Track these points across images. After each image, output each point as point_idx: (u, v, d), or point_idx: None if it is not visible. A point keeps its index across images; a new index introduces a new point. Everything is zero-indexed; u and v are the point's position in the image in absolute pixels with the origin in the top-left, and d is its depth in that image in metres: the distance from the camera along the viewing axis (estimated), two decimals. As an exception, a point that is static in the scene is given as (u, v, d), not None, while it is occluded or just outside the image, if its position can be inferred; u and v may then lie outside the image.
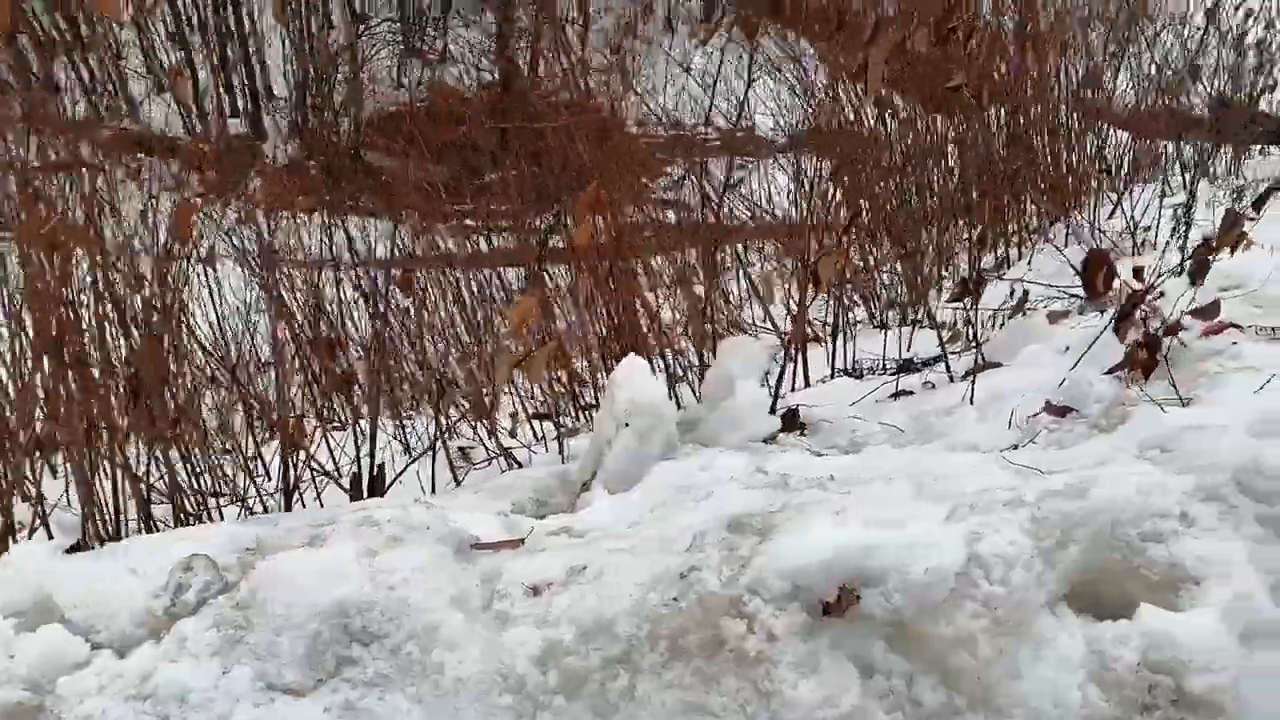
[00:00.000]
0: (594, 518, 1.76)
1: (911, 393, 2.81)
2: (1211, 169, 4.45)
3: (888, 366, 3.26)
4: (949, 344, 3.06)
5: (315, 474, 2.43)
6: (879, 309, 3.97)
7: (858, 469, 1.75)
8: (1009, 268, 4.03)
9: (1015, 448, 1.87)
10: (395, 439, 2.80)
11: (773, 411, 2.55)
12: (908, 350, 3.37)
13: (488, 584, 1.25)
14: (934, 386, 2.85)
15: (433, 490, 2.52)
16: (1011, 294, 3.11)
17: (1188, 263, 3.00)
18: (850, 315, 3.77)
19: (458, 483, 2.64)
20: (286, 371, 2.58)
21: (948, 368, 2.90)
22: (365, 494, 2.47)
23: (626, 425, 1.94)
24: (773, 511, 1.31)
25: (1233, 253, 2.23)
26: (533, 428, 3.10)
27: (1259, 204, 2.13)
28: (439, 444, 2.56)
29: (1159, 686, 1.12)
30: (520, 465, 2.78)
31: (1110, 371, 2.25)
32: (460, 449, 3.18)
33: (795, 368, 3.17)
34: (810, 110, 4.34)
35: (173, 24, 11.59)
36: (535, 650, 1.14)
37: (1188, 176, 4.30)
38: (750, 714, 1.09)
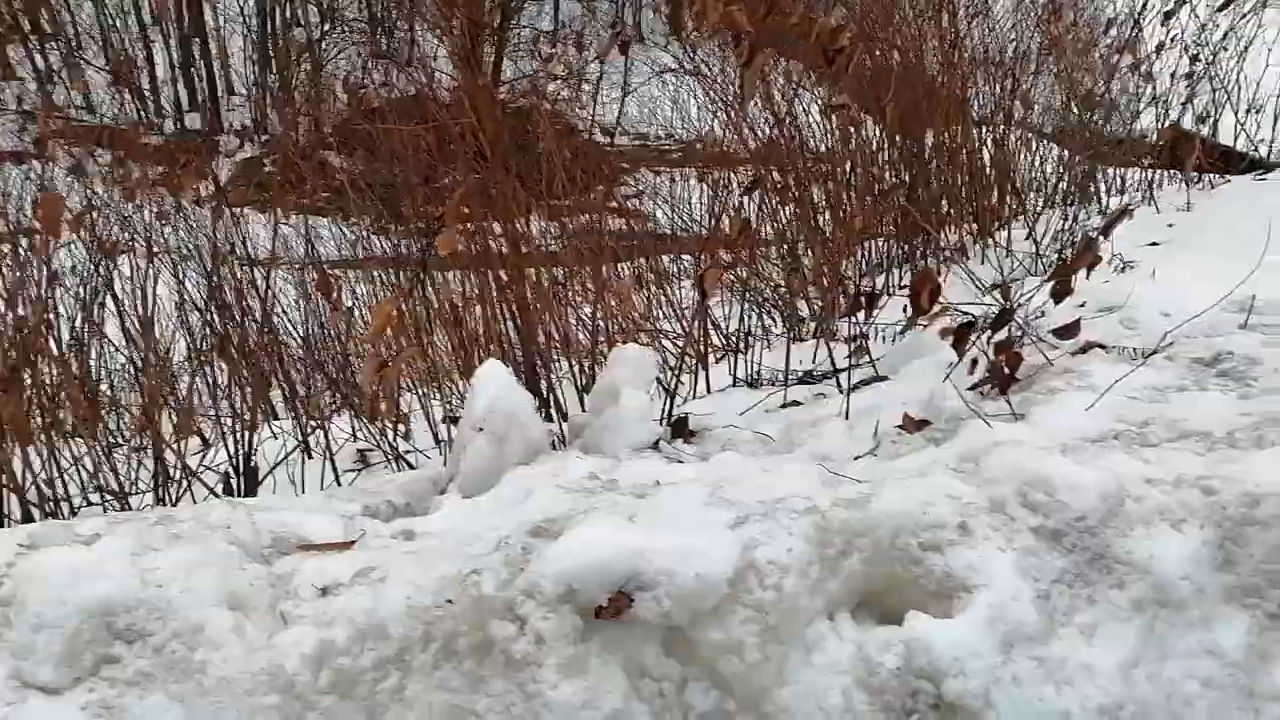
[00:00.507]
0: (437, 521, 1.77)
1: (800, 403, 2.85)
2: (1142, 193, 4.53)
3: (789, 378, 3.30)
4: (853, 357, 3.10)
5: (187, 473, 2.43)
6: (793, 321, 4.01)
7: (690, 476, 1.78)
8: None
9: (856, 459, 1.91)
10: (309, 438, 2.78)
11: (668, 419, 2.58)
12: (813, 362, 3.41)
13: (279, 585, 1.26)
14: (826, 397, 2.89)
15: (310, 488, 2.52)
16: (905, 310, 3.16)
17: (1073, 283, 3.10)
18: (765, 326, 3.81)
19: (339, 483, 2.64)
20: (158, 372, 2.57)
21: (838, 381, 2.94)
22: (239, 494, 2.47)
23: (481, 430, 1.95)
24: (572, 515, 1.33)
25: (1088, 274, 2.29)
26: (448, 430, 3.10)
27: (1107, 229, 2.18)
28: (316, 444, 2.56)
29: (920, 692, 1.15)
30: (412, 467, 2.79)
31: (972, 388, 2.30)
32: (360, 451, 3.18)
33: (696, 376, 3.21)
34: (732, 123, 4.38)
35: (133, 17, 11.46)
36: (309, 650, 1.15)
37: (1110, 200, 4.39)
38: (515, 715, 1.11)
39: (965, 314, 3.15)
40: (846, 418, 2.46)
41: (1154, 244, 3.75)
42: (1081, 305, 2.92)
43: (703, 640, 1.17)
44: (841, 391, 2.93)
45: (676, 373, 2.95)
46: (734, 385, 3.35)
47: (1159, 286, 2.88)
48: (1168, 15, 4.69)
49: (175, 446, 2.33)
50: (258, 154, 10.90)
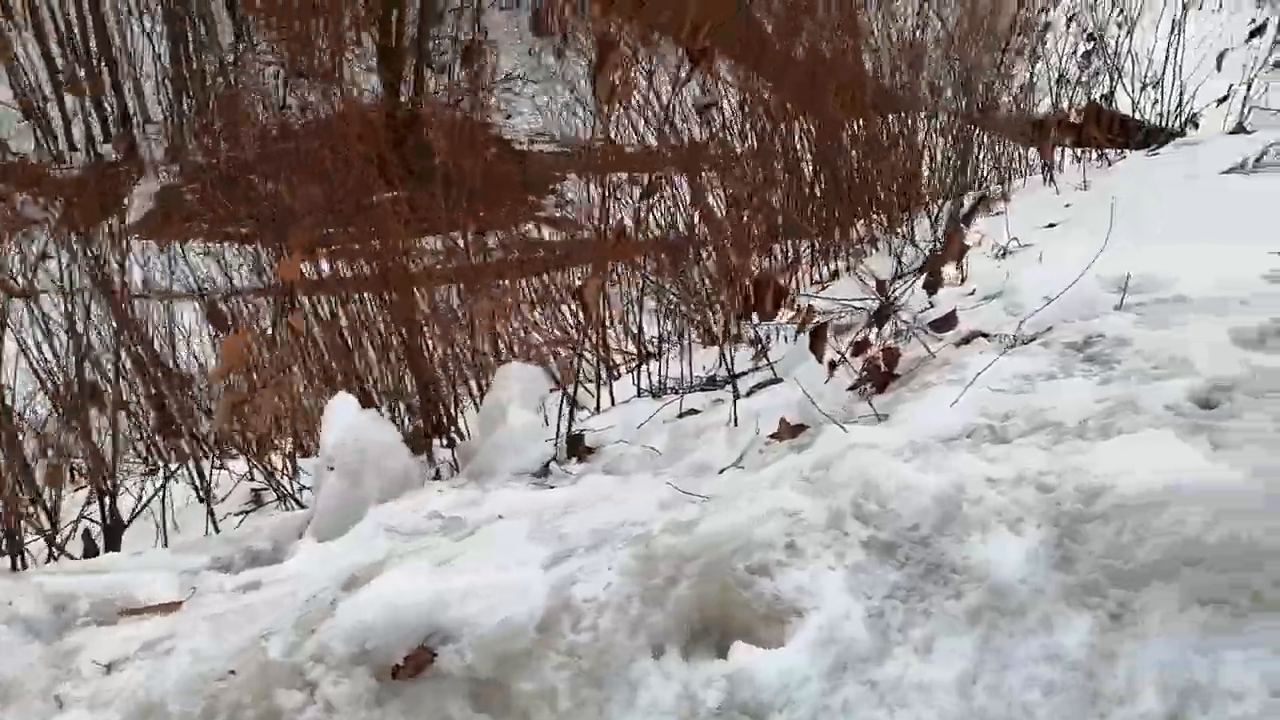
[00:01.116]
0: (283, 571, 1.67)
1: (698, 411, 2.79)
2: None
3: (692, 385, 3.25)
4: (755, 360, 3.05)
5: (46, 532, 2.29)
6: (704, 326, 3.97)
7: (558, 501, 1.70)
8: (835, 281, 4.08)
9: (721, 471, 1.85)
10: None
11: (571, 437, 2.50)
12: (717, 367, 3.36)
13: (61, 664, 1.16)
14: (724, 403, 2.84)
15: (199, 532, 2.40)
16: (798, 309, 3.13)
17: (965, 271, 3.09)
18: (680, 332, 3.75)
19: (216, 529, 2.52)
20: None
21: (734, 387, 2.89)
22: (103, 550, 2.33)
23: (331, 468, 1.85)
24: (388, 561, 1.25)
25: (959, 263, 2.27)
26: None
27: (968, 218, 2.15)
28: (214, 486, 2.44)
29: (745, 728, 1.09)
30: (303, 506, 2.68)
31: (852, 387, 2.26)
32: (253, 490, 3.05)
33: (600, 389, 3.14)
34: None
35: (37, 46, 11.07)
36: (79, 737, 1.05)
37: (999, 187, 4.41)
38: (306, 792, 1.02)
39: (858, 308, 3.13)
40: (736, 424, 2.41)
41: (1051, 225, 3.76)
42: (971, 293, 2.91)
43: (514, 691, 1.09)
44: (738, 398, 2.88)
45: (574, 388, 2.87)
46: (639, 396, 3.29)
47: (1044, 269, 2.87)
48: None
49: (25, 506, 2.19)
50: (175, 182, 10.61)
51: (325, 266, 2.90)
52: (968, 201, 3.51)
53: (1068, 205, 3.99)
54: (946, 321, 2.26)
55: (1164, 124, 5.11)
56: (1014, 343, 2.41)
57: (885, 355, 2.24)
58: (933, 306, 2.86)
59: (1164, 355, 1.90)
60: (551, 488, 2.02)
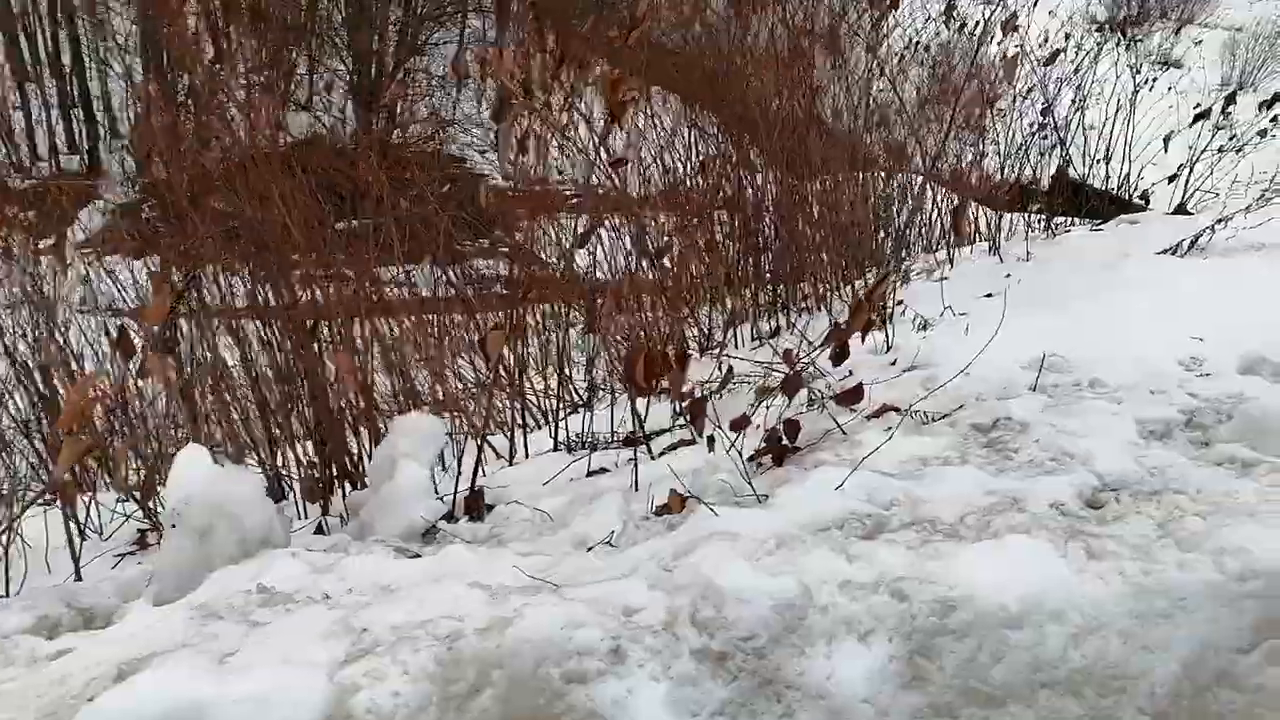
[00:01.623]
0: (100, 639, 1.53)
1: (607, 470, 2.68)
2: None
3: (611, 440, 3.15)
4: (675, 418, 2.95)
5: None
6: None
7: (410, 574, 1.58)
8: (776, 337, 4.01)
9: (589, 549, 1.74)
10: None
11: (471, 494, 2.38)
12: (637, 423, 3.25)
13: None
14: (638, 463, 2.74)
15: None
16: (719, 370, 3.04)
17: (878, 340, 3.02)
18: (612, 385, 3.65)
19: (79, 576, 2.35)
20: None
21: (648, 446, 2.78)
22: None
23: (174, 526, 1.72)
24: (162, 653, 1.12)
25: (863, 337, 2.20)
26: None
27: (870, 294, 2.08)
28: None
29: None
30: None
31: (753, 457, 2.17)
32: (139, 531, 2.89)
33: (513, 441, 3.02)
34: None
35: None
36: None
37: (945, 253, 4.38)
38: None
39: (778, 373, 3.04)
40: (635, 489, 2.30)
41: (988, 295, 3.72)
42: (892, 363, 2.84)
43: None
44: (653, 458, 2.78)
45: (480, 441, 2.75)
46: (555, 449, 3.18)
47: (968, 344, 2.81)
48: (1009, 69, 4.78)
49: None
50: (135, 199, 10.45)
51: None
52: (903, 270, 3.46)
53: (1008, 276, 3.95)
54: (853, 395, 2.18)
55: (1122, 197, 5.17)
56: (926, 420, 2.34)
57: (786, 427, 2.15)
58: (850, 374, 2.79)
59: (1062, 447, 1.82)
60: (417, 555, 1.89)
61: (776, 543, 1.40)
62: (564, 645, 1.11)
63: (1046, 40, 5.53)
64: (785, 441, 2.13)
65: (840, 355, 2.16)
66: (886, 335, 2.97)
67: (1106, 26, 4.86)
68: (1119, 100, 4.49)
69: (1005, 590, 1.23)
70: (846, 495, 1.69)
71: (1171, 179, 5.03)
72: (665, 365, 1.67)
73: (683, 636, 1.15)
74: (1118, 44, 4.77)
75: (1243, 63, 14.15)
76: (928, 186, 4.48)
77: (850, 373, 2.75)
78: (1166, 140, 4.70)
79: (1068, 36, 5.18)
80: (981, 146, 4.85)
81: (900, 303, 3.79)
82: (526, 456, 3.04)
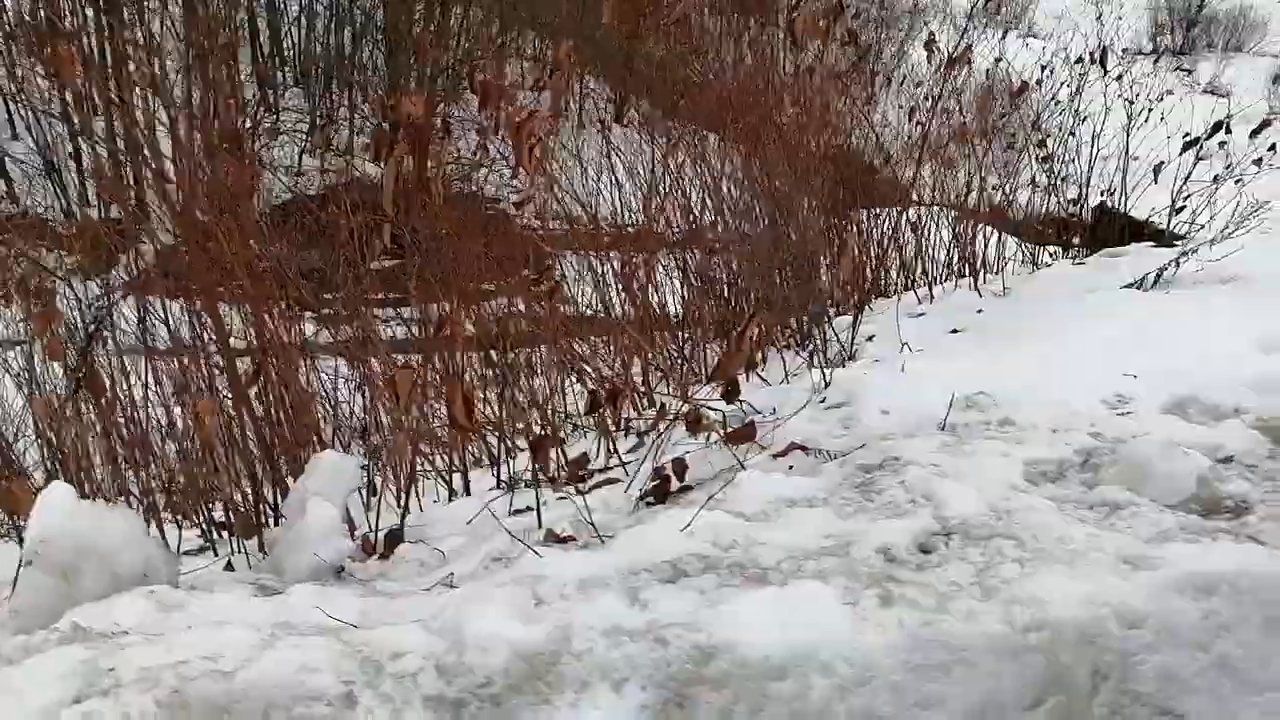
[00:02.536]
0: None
1: (532, 509, 2.69)
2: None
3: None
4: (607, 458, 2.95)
5: None
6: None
7: (219, 616, 1.60)
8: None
9: (429, 589, 1.74)
10: None
11: (389, 533, 2.41)
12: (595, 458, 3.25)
13: None
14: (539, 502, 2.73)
15: None
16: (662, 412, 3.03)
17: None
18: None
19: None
20: None
21: (578, 489, 2.78)
22: None
23: (29, 563, 1.77)
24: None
25: (748, 375, 2.17)
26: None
27: (745, 329, 2.06)
28: None
29: None
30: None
31: (643, 495, 2.15)
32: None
33: (451, 480, 3.05)
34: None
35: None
36: None
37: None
38: None
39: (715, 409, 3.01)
40: (540, 526, 2.31)
41: (954, 331, 3.65)
42: (822, 400, 2.80)
43: None
44: (581, 494, 2.77)
45: (407, 479, 2.78)
46: (497, 487, 3.19)
47: (899, 381, 2.76)
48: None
49: None
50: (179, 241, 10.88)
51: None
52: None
53: (979, 311, 3.88)
54: (743, 434, 2.15)
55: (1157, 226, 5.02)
56: (827, 459, 2.30)
57: (674, 466, 2.13)
58: (775, 412, 2.76)
59: (927, 489, 1.76)
60: (279, 592, 1.91)
61: (576, 587, 1.38)
62: (296, 689, 1.11)
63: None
64: (675, 479, 2.12)
65: (730, 393, 2.14)
66: (824, 372, 2.93)
67: (1087, 57, 4.74)
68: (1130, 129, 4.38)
69: (773, 639, 1.20)
70: (694, 536, 1.67)
71: (1178, 210, 4.89)
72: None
73: (423, 682, 1.14)
74: (1101, 77, 4.66)
75: (1292, 90, 13.67)
76: (904, 221, 4.43)
77: (773, 410, 2.72)
78: (1156, 171, 4.57)
79: (1045, 68, 5.10)
80: (1010, 178, 4.79)
81: (871, 337, 3.74)
82: (467, 494, 3.06)
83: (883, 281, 4.49)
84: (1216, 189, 4.67)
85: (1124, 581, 1.31)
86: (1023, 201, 4.92)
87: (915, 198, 4.67)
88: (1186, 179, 4.13)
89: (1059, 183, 5.11)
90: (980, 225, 4.59)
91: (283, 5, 10.50)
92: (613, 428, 2.98)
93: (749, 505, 1.81)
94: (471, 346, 3.17)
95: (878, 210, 4.43)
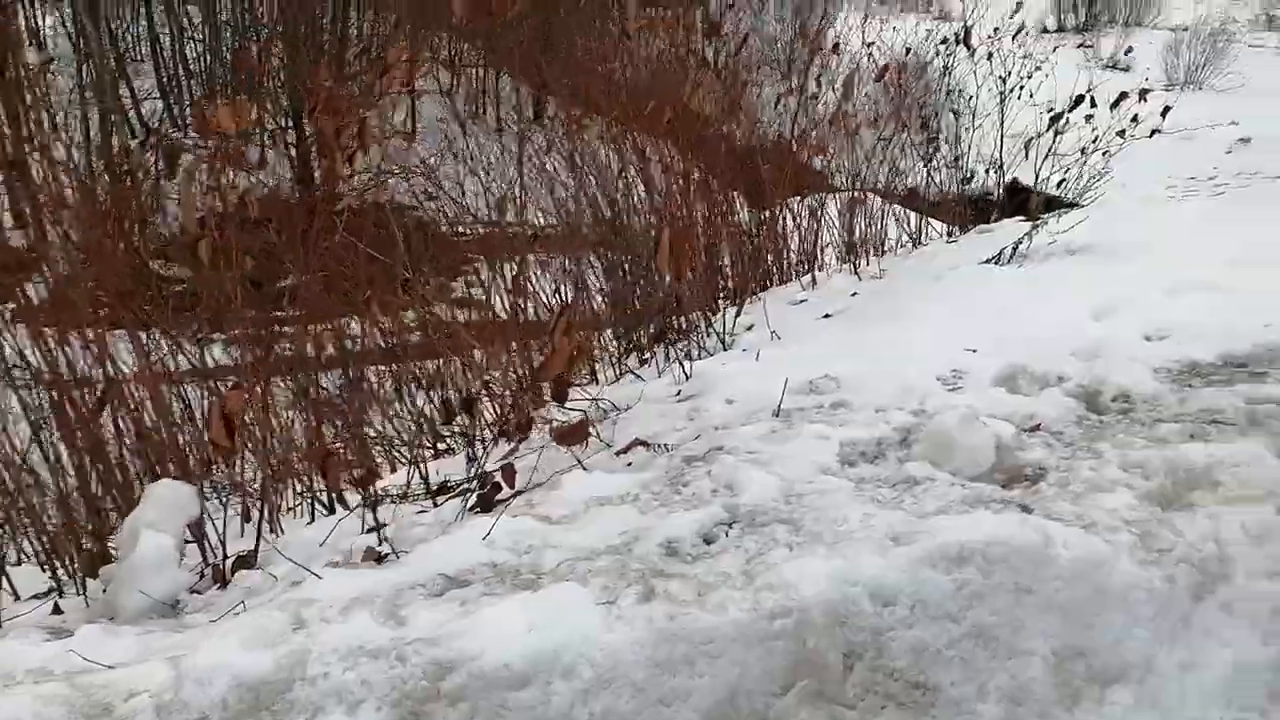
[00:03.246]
0: None
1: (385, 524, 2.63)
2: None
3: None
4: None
5: None
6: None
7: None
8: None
9: (215, 621, 1.69)
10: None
11: (239, 558, 2.32)
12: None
13: None
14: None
15: None
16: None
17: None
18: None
19: None
20: None
21: (433, 500, 2.73)
22: None
23: None
24: None
25: (569, 370, 2.15)
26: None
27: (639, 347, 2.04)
28: None
29: None
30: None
31: (472, 507, 2.12)
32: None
33: (314, 504, 2.97)
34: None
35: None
36: None
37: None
38: None
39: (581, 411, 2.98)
40: (380, 544, 2.25)
41: (826, 316, 3.68)
42: (677, 393, 2.79)
43: None
44: (435, 504, 2.72)
45: (260, 505, 2.69)
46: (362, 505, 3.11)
47: (752, 370, 2.77)
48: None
49: None
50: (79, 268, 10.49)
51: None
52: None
53: (853, 294, 3.91)
54: (574, 433, 2.13)
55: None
56: (662, 451, 2.29)
57: (504, 473, 2.10)
58: (629, 408, 2.74)
59: (732, 479, 1.76)
60: (67, 633, 1.83)
61: (341, 608, 1.34)
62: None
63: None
64: (505, 485, 2.08)
65: (560, 394, 2.12)
66: (682, 365, 2.92)
67: (954, 37, 4.83)
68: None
69: (516, 647, 1.17)
70: (494, 545, 1.64)
71: (1060, 182, 5.02)
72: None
73: (175, 713, 1.10)
74: (970, 55, 4.75)
75: (1186, 62, 14.20)
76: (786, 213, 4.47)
77: (628, 406, 2.71)
78: (1027, 146, 4.68)
79: (908, 50, 5.19)
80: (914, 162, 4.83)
81: (750, 327, 3.75)
82: (331, 512, 2.98)
83: (776, 269, 4.53)
84: (1085, 160, 4.82)
85: (881, 558, 1.32)
86: (939, 181, 5.00)
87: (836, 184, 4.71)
88: (1048, 154, 4.24)
89: (957, 161, 5.21)
90: (891, 206, 4.65)
91: (185, 15, 10.16)
92: (479, 434, 2.93)
93: (559, 508, 1.79)
94: (328, 365, 3.10)
95: (800, 197, 4.46)
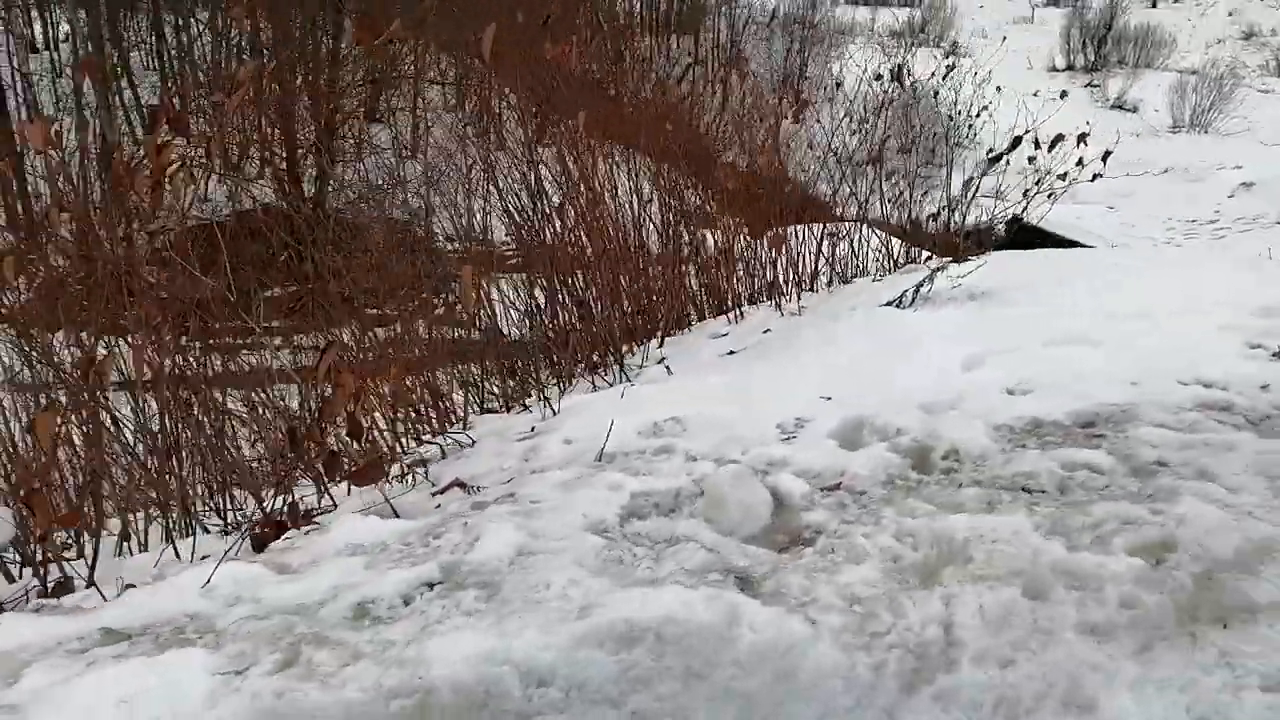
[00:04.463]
0: None
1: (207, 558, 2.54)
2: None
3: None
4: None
5: None
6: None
7: None
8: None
9: None
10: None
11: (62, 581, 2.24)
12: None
13: None
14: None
15: None
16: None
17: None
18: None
19: None
20: None
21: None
22: None
23: None
24: None
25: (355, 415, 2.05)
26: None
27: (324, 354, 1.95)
28: None
29: None
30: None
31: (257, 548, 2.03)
32: None
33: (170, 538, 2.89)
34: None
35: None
36: None
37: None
38: None
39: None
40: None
41: (731, 352, 3.59)
42: (531, 429, 2.69)
43: None
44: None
45: (95, 525, 2.61)
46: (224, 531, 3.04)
47: (611, 408, 2.66)
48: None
49: None
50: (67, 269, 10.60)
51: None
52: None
53: (766, 331, 3.81)
54: (363, 474, 2.02)
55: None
56: (472, 491, 2.19)
57: (289, 512, 2.01)
58: (473, 444, 2.64)
59: (480, 531, 1.65)
60: None
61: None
62: None
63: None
64: (290, 525, 1.99)
65: (355, 432, 2.02)
66: (544, 400, 2.83)
67: (888, 73, 4.74)
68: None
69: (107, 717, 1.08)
70: (213, 593, 1.54)
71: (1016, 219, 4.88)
72: None
73: None
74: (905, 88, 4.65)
75: (1192, 104, 14.03)
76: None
77: (472, 441, 2.61)
78: (966, 185, 4.57)
79: (879, 77, 5.09)
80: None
81: (663, 360, 3.65)
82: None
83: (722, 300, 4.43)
84: (1027, 202, 4.68)
85: (545, 635, 1.21)
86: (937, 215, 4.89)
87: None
88: (973, 196, 4.12)
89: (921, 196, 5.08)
90: (875, 235, 4.54)
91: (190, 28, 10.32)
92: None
93: (306, 556, 1.69)
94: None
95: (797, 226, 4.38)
